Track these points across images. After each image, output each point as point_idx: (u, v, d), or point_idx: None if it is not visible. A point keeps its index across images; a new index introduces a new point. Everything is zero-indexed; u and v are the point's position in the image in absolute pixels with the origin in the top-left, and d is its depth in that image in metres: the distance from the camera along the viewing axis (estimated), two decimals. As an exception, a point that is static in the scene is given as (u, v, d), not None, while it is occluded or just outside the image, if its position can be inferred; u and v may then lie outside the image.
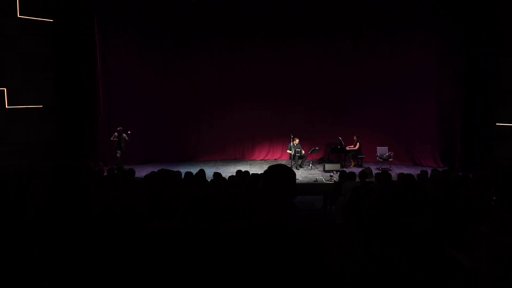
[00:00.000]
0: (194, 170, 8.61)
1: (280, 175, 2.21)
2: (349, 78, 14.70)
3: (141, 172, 11.83)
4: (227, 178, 7.63)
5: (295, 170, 12.42)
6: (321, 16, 13.98)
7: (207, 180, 7.70)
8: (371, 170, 11.53)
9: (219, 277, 2.03)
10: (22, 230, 2.13)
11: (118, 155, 12.64)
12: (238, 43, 14.85)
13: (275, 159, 15.53)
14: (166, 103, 14.71)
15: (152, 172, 7.26)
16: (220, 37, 14.72)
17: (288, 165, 12.53)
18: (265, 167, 11.60)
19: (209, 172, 11.64)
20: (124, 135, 12.63)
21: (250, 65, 14.97)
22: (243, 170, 8.76)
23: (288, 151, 13.92)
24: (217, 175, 7.65)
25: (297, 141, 13.72)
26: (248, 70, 15.03)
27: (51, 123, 12.25)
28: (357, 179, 8.14)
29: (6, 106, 11.49)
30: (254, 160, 15.43)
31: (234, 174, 8.76)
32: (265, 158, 15.55)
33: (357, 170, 10.58)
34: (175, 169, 8.98)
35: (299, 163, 13.77)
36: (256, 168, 13.36)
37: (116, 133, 12.61)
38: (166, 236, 2.18)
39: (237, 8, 13.87)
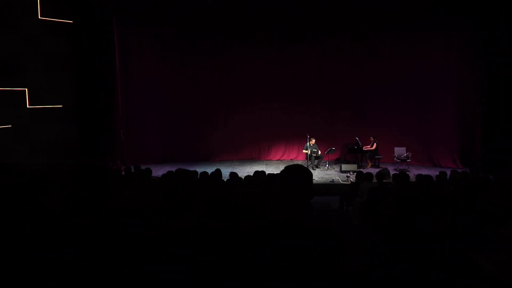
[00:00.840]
0: (211, 169, 8.65)
1: (296, 175, 2.20)
2: (368, 78, 14.58)
3: (158, 171, 11.93)
4: (243, 178, 7.62)
5: (311, 171, 12.26)
6: (343, 14, 13.87)
7: (223, 180, 7.69)
8: (389, 171, 11.43)
9: (234, 276, 2.02)
10: (44, 227, 2.15)
11: None
12: (256, 42, 14.87)
13: (291, 159, 15.49)
14: (182, 103, 14.79)
15: (169, 172, 7.39)
16: (238, 37, 14.76)
17: (304, 166, 12.39)
18: (281, 167, 11.49)
19: (226, 172, 11.63)
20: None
21: (268, 65, 14.96)
22: (259, 170, 8.72)
23: (304, 151, 13.87)
24: (233, 175, 7.68)
25: (313, 141, 13.66)
26: (267, 70, 15.02)
27: (71, 123, 12.48)
28: (374, 180, 8.05)
29: (27, 106, 11.70)
30: (270, 160, 15.42)
31: (251, 174, 8.73)
32: (281, 158, 15.53)
33: (374, 171, 10.46)
34: (191, 169, 9.01)
35: (315, 164, 13.71)
36: (272, 168, 13.36)
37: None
38: (181, 235, 2.18)
39: (257, 7, 13.84)
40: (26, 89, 11.71)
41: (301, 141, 14.89)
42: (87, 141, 12.54)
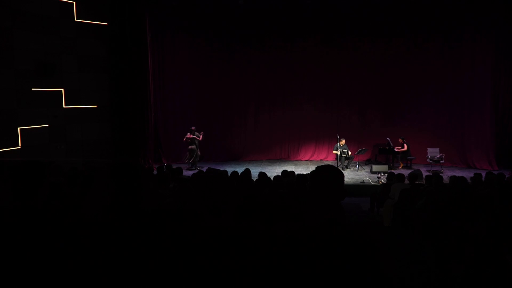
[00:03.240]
0: (240, 169, 8.70)
1: (328, 176, 2.20)
2: (401, 79, 14.41)
3: (189, 171, 12.10)
4: (272, 178, 7.65)
5: (343, 171, 12.26)
6: (376, 15, 13.79)
7: (253, 180, 7.75)
8: (421, 172, 11.23)
9: (270, 278, 1.99)
10: (86, 229, 2.18)
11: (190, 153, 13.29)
12: (287, 42, 14.86)
13: (320, 160, 15.42)
14: (213, 101, 14.93)
15: (200, 171, 7.51)
16: (270, 36, 14.78)
17: (335, 165, 12.10)
18: (311, 168, 11.40)
19: (255, 172, 11.71)
20: (197, 133, 13.26)
21: (298, 64, 14.93)
22: (287, 170, 8.73)
23: (334, 151, 13.81)
24: (262, 175, 7.72)
25: (343, 141, 13.59)
26: (296, 69, 14.99)
27: (105, 122, 12.84)
28: (406, 181, 7.95)
29: (64, 106, 12.09)
30: (299, 160, 15.39)
31: (279, 174, 8.76)
32: (311, 159, 15.49)
33: (406, 172, 10.33)
34: (221, 168, 9.05)
35: (345, 164, 13.63)
36: (302, 169, 13.33)
37: (188, 133, 13.21)
38: (220, 234, 2.16)
39: (288, 7, 13.87)
40: (63, 89, 12.08)
41: (331, 142, 14.81)
42: (121, 140, 12.84)
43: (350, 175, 12.51)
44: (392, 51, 14.44)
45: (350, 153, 13.64)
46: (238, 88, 15.03)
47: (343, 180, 2.28)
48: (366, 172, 13.09)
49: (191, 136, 13.10)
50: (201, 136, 13.20)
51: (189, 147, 13.23)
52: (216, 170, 7.85)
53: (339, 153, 13.46)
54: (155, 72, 13.92)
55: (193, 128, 13.22)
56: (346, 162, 13.69)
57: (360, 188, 10.89)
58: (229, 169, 8.80)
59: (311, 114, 15.20)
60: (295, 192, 5.47)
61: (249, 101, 15.23)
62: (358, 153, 13.69)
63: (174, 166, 8.96)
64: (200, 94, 14.79)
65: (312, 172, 2.30)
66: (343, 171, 12.32)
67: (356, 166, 13.65)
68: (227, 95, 15.00)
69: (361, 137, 14.91)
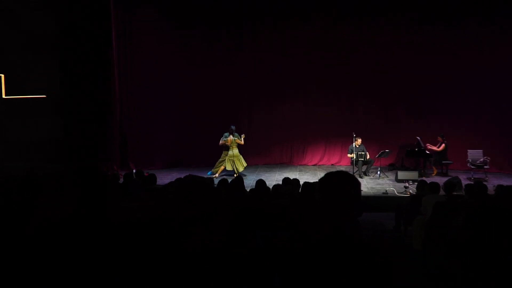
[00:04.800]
0: (230, 176, 8.69)
1: (340, 185, 2.22)
2: (432, 65, 14.54)
3: (164, 179, 12.08)
4: (271, 187, 7.66)
5: (359, 179, 12.27)
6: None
7: (246, 190, 7.75)
8: (460, 180, 11.25)
9: None
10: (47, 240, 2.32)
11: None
12: (289, 22, 14.99)
13: (332, 165, 15.49)
14: (195, 96, 15.03)
15: (178, 179, 7.47)
16: (266, 15, 14.91)
17: (350, 172, 12.09)
18: (320, 175, 11.43)
19: (249, 180, 11.82)
20: (236, 134, 13.09)
21: (303, 48, 15.04)
22: (291, 178, 8.72)
23: (349, 155, 13.84)
24: (260, 183, 7.73)
25: (359, 141, 13.64)
26: (300, 55, 15.10)
27: (56, 117, 12.61)
28: (441, 192, 7.96)
29: (3, 96, 11.97)
30: (305, 165, 15.48)
31: (280, 182, 8.78)
32: (319, 163, 15.54)
33: (441, 180, 10.36)
34: (205, 175, 9.05)
35: (363, 170, 13.66)
36: (308, 176, 13.37)
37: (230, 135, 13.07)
38: (211, 249, 2.30)
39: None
40: (2, 75, 11.98)
41: (345, 142, 14.88)
42: (76, 140, 12.61)
43: (370, 184, 12.53)
44: (422, 31, 14.57)
45: (368, 156, 13.65)
46: (228, 78, 15.11)
47: (360, 190, 2.26)
48: (389, 180, 13.12)
49: (231, 139, 12.91)
50: (242, 139, 13.05)
51: (226, 152, 13.08)
52: (198, 177, 7.84)
53: (354, 156, 13.46)
54: (122, 56, 13.89)
55: (233, 127, 13.04)
56: (364, 167, 13.71)
57: (382, 201, 10.90)
58: (217, 179, 8.78)
59: (319, 108, 15.30)
60: (298, 204, 5.65)
61: (241, 94, 15.35)
62: (379, 156, 13.70)
63: (146, 173, 8.97)
64: (181, 86, 14.87)
65: (320, 180, 2.32)
66: (360, 179, 12.72)
67: (377, 173, 13.69)
68: (215, 87, 15.08)
69: (383, 135, 15.03)
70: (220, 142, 13.02)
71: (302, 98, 15.38)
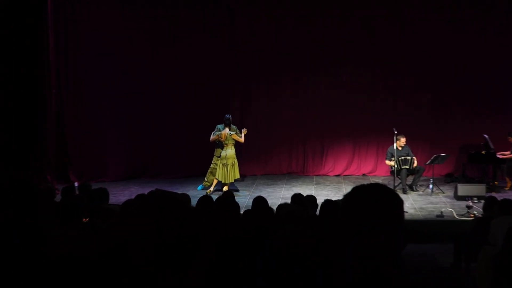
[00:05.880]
0: (215, 192, 8.71)
1: (375, 204, 2.19)
2: (503, 44, 14.89)
3: (119, 195, 12.28)
4: (275, 208, 7.73)
5: (402, 196, 12.22)
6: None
7: (239, 212, 7.68)
8: (544, 198, 11.28)
9: None
10: None
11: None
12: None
13: (363, 175, 15.60)
14: (169, 86, 15.30)
15: (140, 197, 7.66)
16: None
17: (389, 186, 12.11)
18: (346, 189, 11.49)
19: (243, 198, 12.18)
20: (234, 128, 13.22)
21: (320, 10, 15.26)
22: (304, 194, 8.78)
23: (387, 161, 13.90)
24: (259, 202, 7.75)
25: (403, 140, 13.67)
26: (317, 20, 15.31)
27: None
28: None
29: None
30: (324, 176, 15.60)
31: (288, 200, 8.73)
32: (345, 173, 15.68)
33: (517, 197, 10.39)
34: (179, 190, 9.42)
35: (408, 183, 13.73)
36: (328, 191, 13.44)
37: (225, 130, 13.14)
38: None
39: None
40: None
41: (383, 143, 15.00)
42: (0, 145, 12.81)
43: (418, 203, 12.56)
44: (491, 15, 14.99)
45: (416, 162, 13.71)
46: (209, 55, 15.29)
47: (403, 211, 2.26)
48: (446, 197, 13.15)
49: (226, 133, 13.03)
50: (243, 136, 13.20)
51: (217, 153, 13.27)
52: (169, 193, 8.05)
53: (396, 163, 13.54)
54: (60, 39, 14.27)
55: (228, 117, 13.16)
56: (410, 179, 13.79)
57: (435, 227, 10.95)
58: (194, 192, 8.77)
59: (344, 98, 15.44)
60: (314, 233, 5.64)
61: (230, 77, 15.54)
62: (431, 162, 13.75)
63: (95, 187, 9.11)
64: (144, 75, 15.14)
65: (346, 196, 2.28)
66: (403, 196, 12.74)
67: (428, 187, 13.70)
68: (190, 72, 15.28)
69: (437, 134, 15.17)
70: (212, 137, 13.13)
71: (320, 81, 15.49)
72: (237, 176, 13.25)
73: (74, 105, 14.73)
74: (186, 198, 7.86)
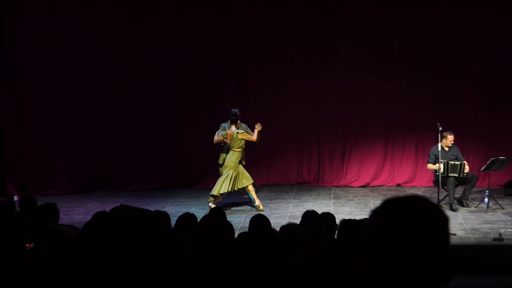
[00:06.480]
0: (200, 208, 9.21)
1: (411, 222, 2.13)
2: None
3: (71, 212, 12.24)
4: (279, 229, 7.35)
5: (448, 212, 11.77)
6: None
7: (233, 235, 7.49)
8: None
9: None
10: None
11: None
12: None
13: (398, 185, 15.53)
14: (132, 80, 15.35)
15: (101, 213, 7.43)
16: None
17: (431, 200, 11.27)
18: (374, 203, 11.14)
19: (238, 217, 12.11)
20: (243, 126, 13.22)
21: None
22: (318, 212, 8.54)
23: (430, 165, 13.68)
24: (258, 222, 7.68)
25: (450, 138, 13.47)
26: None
27: None
28: None
29: None
30: (345, 186, 15.51)
31: (297, 220, 8.45)
32: (374, 184, 15.61)
33: None
34: (151, 207, 9.55)
35: (457, 196, 13.48)
36: (352, 207, 13.32)
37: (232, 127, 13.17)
38: None
39: None
40: None
41: (424, 143, 14.93)
42: None
43: (470, 222, 12.41)
44: None
45: (467, 168, 13.51)
46: (194, 41, 15.33)
47: (449, 232, 2.14)
48: (506, 214, 13.00)
49: (232, 132, 12.97)
50: (256, 133, 13.18)
51: (220, 159, 13.25)
52: (139, 210, 8.05)
53: (442, 168, 13.27)
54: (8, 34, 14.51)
55: (235, 111, 13.14)
56: (461, 190, 13.58)
57: (492, 254, 10.81)
58: (171, 209, 9.06)
59: (372, 85, 15.36)
60: (330, 262, 5.57)
61: (222, 62, 15.61)
62: (487, 168, 13.61)
63: (41, 202, 8.84)
64: (106, 67, 15.23)
65: (373, 213, 2.22)
66: (452, 212, 12.67)
67: (483, 201, 13.52)
68: (172, 62, 15.30)
69: (493, 132, 15.09)
70: (215, 138, 13.19)
71: (337, 63, 15.45)
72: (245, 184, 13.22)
73: (14, 104, 14.92)
74: (163, 216, 7.70)
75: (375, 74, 15.41)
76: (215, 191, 12.78)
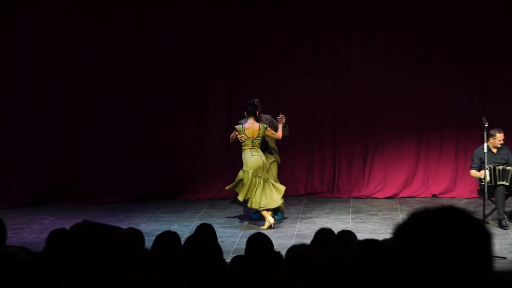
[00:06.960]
0: (182, 226, 9.20)
1: (444, 240, 2.10)
2: None
3: (23, 230, 12.25)
4: (284, 253, 7.36)
5: (495, 229, 12.35)
6: None
7: (224, 259, 7.65)
8: None
9: None
10: None
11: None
12: None
13: (433, 197, 15.42)
14: (97, 75, 15.53)
15: (58, 231, 7.52)
16: None
17: (476, 213, 10.79)
18: (400, 216, 10.40)
19: (233, 237, 12.03)
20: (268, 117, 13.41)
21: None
22: (334, 231, 8.57)
23: (474, 172, 13.54)
24: (257, 242, 7.57)
25: (499, 137, 13.38)
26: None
27: None
28: None
29: None
30: (368, 198, 15.47)
31: (308, 240, 8.67)
32: (403, 195, 15.52)
33: None
34: (121, 224, 9.65)
35: (509, 210, 13.40)
36: (375, 223, 13.24)
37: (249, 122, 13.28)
38: None
39: None
40: None
41: (466, 144, 14.93)
42: None
43: None
44: None
45: None
46: (177, 29, 15.58)
47: (493, 254, 2.05)
48: None
49: (254, 128, 13.02)
50: (280, 127, 13.23)
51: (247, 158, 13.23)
52: (107, 227, 8.15)
53: (488, 174, 13.01)
54: None
55: (255, 102, 13.20)
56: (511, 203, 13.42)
57: None
58: (146, 227, 9.10)
59: (400, 76, 15.45)
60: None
61: (213, 52, 15.75)
62: None
63: None
64: (67, 61, 15.36)
65: (398, 228, 2.18)
66: (495, 229, 12.84)
67: None
68: (149, 53, 15.54)
69: None
70: (232, 135, 13.29)
71: (357, 52, 15.45)
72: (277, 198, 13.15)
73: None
74: (137, 234, 7.74)
75: (399, 66, 15.57)
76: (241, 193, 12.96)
